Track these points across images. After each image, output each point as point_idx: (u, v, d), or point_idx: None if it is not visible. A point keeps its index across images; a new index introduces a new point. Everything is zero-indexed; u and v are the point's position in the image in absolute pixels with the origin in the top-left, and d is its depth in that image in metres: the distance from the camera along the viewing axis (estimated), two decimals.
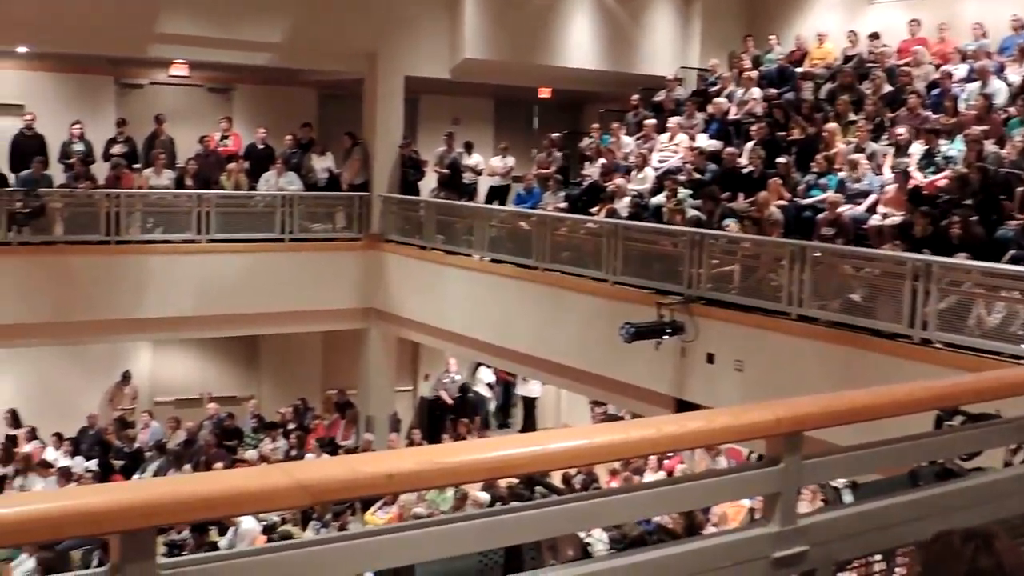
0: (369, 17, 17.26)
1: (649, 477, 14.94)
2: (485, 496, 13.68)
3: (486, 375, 20.66)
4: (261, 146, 17.66)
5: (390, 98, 17.81)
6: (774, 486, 3.12)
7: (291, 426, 17.47)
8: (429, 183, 18.31)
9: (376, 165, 17.77)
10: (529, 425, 20.49)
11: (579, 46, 18.87)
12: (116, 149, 16.68)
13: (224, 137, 17.67)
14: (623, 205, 14.56)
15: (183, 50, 17.02)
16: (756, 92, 16.49)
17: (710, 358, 11.73)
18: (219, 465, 15.34)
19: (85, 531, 2.17)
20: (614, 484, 14.73)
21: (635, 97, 18.01)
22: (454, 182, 17.88)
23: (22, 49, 17.13)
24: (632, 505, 3.06)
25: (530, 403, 20.60)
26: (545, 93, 20.93)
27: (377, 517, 14.27)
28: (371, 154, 17.78)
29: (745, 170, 14.23)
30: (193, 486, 2.34)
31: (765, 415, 3.10)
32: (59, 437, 16.36)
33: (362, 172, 17.73)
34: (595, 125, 18.06)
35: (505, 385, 21.08)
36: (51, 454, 15.89)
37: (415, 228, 17.16)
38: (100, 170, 16.41)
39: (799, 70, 17.14)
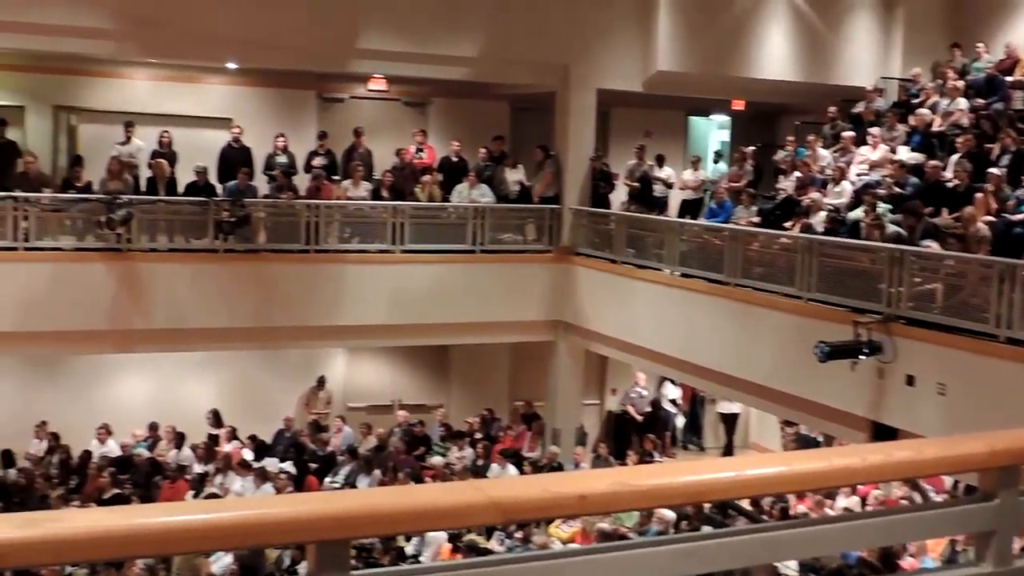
0: (562, 31, 17.34)
1: (842, 502, 14.48)
2: (671, 514, 13.50)
3: (671, 391, 20.44)
4: (455, 159, 17.95)
5: (582, 111, 17.83)
6: (988, 524, 2.93)
7: (478, 436, 17.65)
8: (620, 196, 18.26)
9: (567, 178, 17.81)
10: (730, 443, 20.32)
11: (775, 57, 18.49)
12: (317, 161, 17.22)
13: (419, 150, 18.02)
14: (819, 220, 14.17)
15: (382, 65, 17.44)
16: (962, 102, 15.82)
17: (910, 380, 11.25)
18: (401, 475, 15.62)
19: (285, 539, 2.21)
20: (801, 508, 14.34)
21: (832, 108, 17.55)
22: (645, 195, 17.78)
23: (231, 65, 17.90)
24: (833, 537, 2.93)
25: (731, 420, 20.33)
26: (739, 105, 20.61)
27: (561, 530, 14.27)
28: (562, 167, 17.83)
29: (950, 184, 13.64)
30: (389, 500, 2.35)
31: (979, 446, 2.91)
32: (252, 439, 16.98)
33: (553, 185, 17.80)
34: (790, 137, 17.68)
35: (693, 403, 20.83)
36: (249, 454, 16.51)
37: (605, 241, 17.12)
38: (301, 181, 16.99)
39: (1009, 79, 16.34)
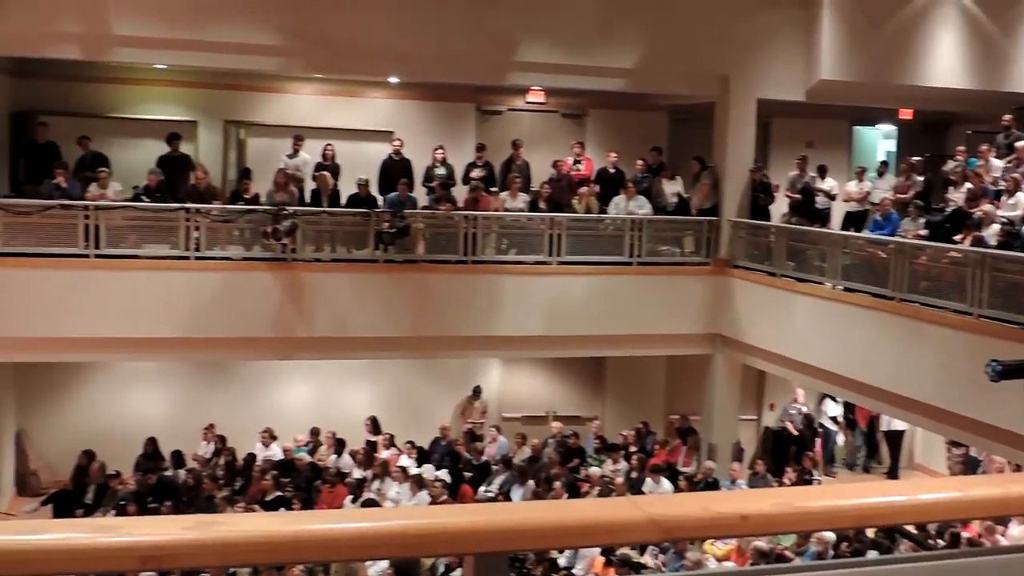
0: (722, 40, 17.13)
1: (1014, 530, 13.87)
2: (831, 535, 13.15)
3: (832, 408, 19.93)
4: (612, 170, 17.91)
5: (741, 121, 17.55)
6: None
7: (632, 449, 17.53)
8: (780, 208, 17.92)
9: (726, 189, 17.55)
10: (895, 463, 19.71)
11: (945, 64, 17.84)
12: (475, 173, 17.43)
13: (576, 161, 18.05)
14: (991, 233, 13.61)
15: (540, 77, 17.52)
16: None
17: None
18: (558, 485, 15.62)
19: (446, 550, 2.21)
20: (966, 533, 13.80)
21: (1007, 117, 16.82)
22: (806, 207, 17.40)
23: (393, 80, 18.28)
24: (1014, 568, 2.78)
25: (895, 438, 19.69)
26: (906, 114, 19.99)
27: (716, 547, 14.05)
28: (721, 178, 17.59)
29: None
30: (549, 514, 2.34)
31: None
32: (411, 445, 17.24)
33: (711, 196, 17.57)
34: (961, 148, 17.04)
35: (871, 424, 20.15)
36: (406, 461, 16.76)
37: (764, 254, 16.80)
38: (460, 192, 17.20)
39: None
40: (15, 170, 16.37)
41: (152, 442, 16.69)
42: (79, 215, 14.94)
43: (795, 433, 19.16)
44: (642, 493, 15.38)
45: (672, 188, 17.70)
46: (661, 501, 2.47)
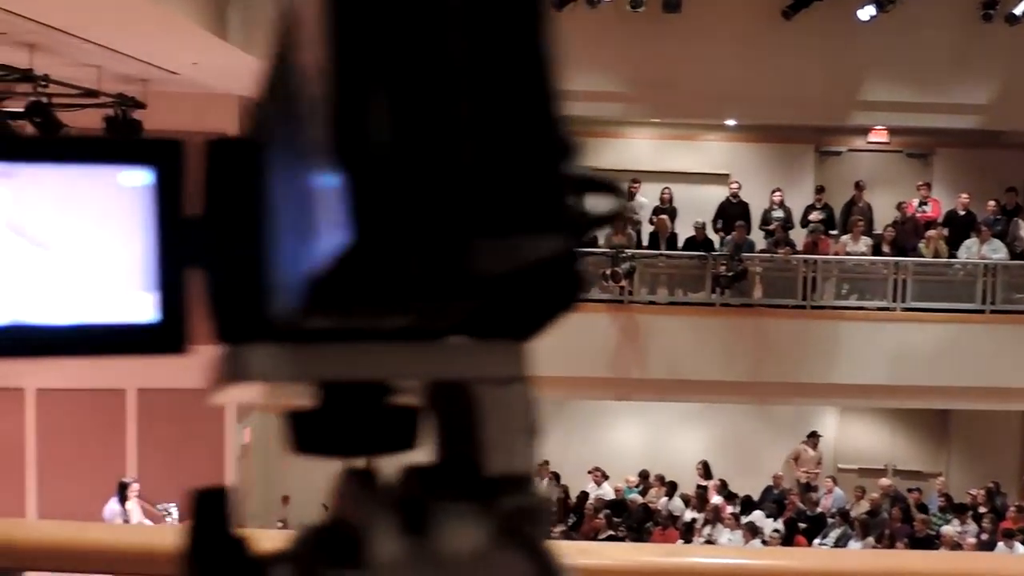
0: None
1: None
2: None
3: None
4: (962, 212, 17.05)
5: None
6: None
7: (982, 510, 16.42)
8: None
9: None
10: None
11: None
12: (814, 216, 17.09)
13: (922, 203, 17.33)
14: None
15: (884, 116, 17.02)
16: None
17: None
18: (900, 545, 14.88)
19: None
20: None
21: None
22: None
23: (730, 122, 18.23)
24: None
25: None
26: None
27: None
28: None
29: None
30: (945, 564, 2.25)
31: None
32: (731, 494, 16.86)
33: None
34: None
35: None
36: (736, 508, 16.45)
37: None
38: (798, 235, 16.88)
39: None
40: None
41: None
42: None
43: None
44: None
45: None
46: None
